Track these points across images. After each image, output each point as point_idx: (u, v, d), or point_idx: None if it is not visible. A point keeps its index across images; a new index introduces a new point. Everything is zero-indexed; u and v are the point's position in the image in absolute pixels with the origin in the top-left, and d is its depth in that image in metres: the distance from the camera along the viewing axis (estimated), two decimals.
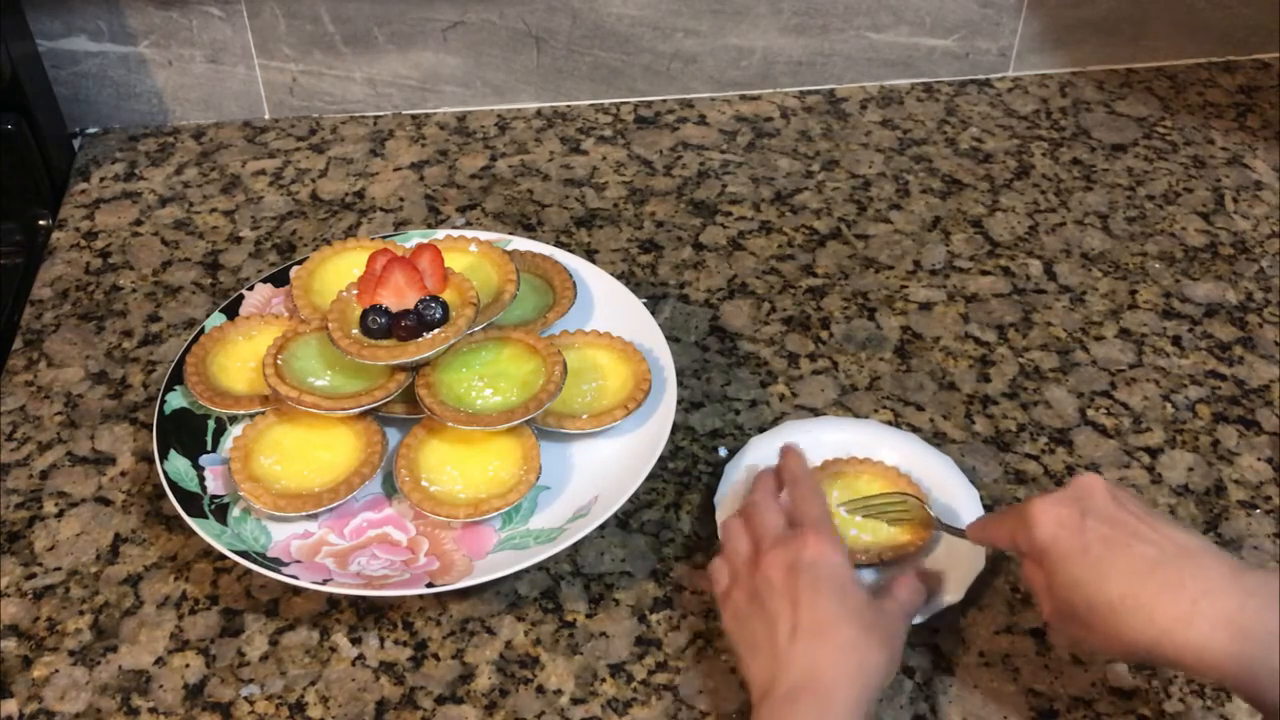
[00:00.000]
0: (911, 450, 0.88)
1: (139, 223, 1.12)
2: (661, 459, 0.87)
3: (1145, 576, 0.63)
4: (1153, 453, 0.92)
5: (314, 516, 0.83)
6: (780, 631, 0.70)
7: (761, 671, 0.70)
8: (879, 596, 0.74)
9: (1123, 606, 0.63)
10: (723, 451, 0.91)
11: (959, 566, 0.81)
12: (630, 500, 0.83)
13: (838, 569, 0.72)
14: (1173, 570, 0.63)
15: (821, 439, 0.89)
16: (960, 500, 0.85)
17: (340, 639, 0.79)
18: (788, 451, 0.84)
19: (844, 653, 0.68)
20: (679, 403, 0.91)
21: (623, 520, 0.87)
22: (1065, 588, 0.66)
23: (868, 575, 0.82)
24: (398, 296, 0.85)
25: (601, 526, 0.82)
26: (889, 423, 0.93)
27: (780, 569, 0.72)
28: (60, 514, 0.87)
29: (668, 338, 0.94)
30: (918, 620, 0.78)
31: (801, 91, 1.29)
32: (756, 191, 1.16)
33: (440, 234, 0.99)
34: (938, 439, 0.92)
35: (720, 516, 0.84)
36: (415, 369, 0.87)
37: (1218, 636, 0.60)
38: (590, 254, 1.08)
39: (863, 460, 0.87)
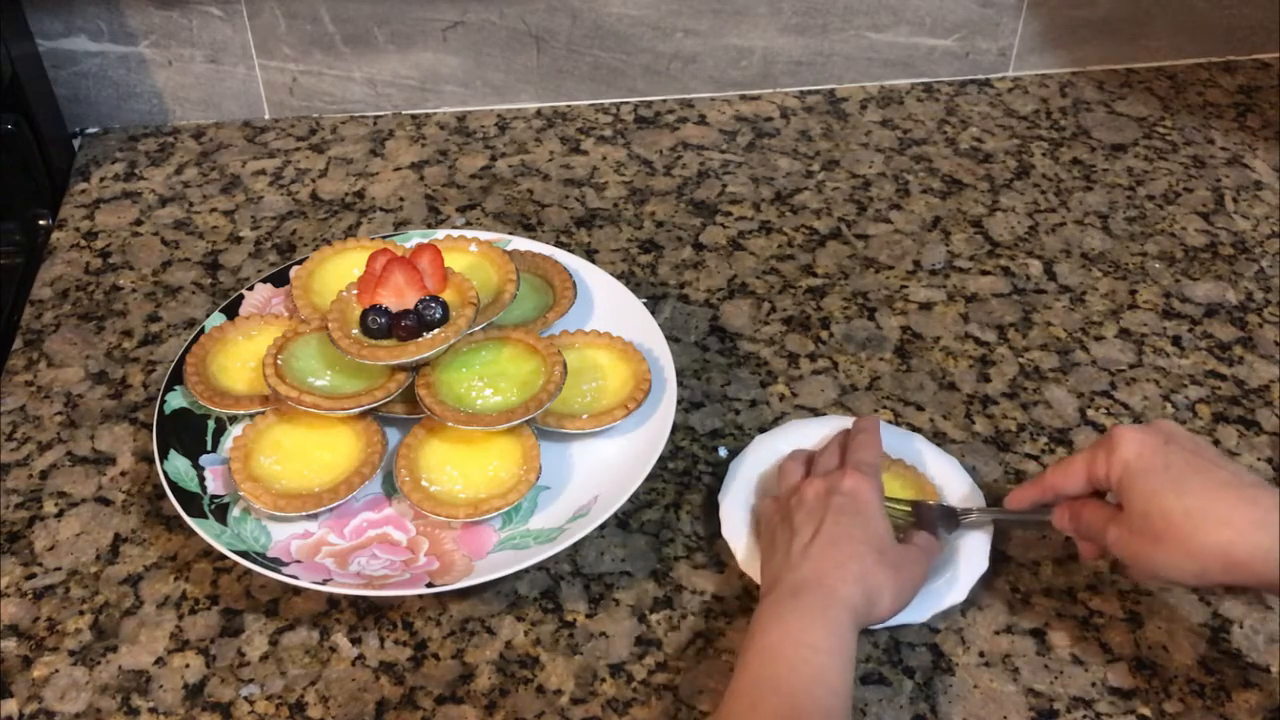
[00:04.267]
0: (915, 450, 0.88)
1: (139, 223, 1.12)
2: (661, 459, 0.87)
3: (1223, 488, 0.67)
4: None
5: (314, 516, 0.83)
6: (799, 540, 0.75)
7: (771, 569, 0.75)
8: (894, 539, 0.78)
9: (1200, 513, 0.66)
10: (723, 451, 0.91)
11: (961, 567, 0.81)
12: (630, 500, 0.83)
13: (870, 504, 0.77)
14: (1249, 489, 0.67)
15: (826, 438, 0.89)
16: (965, 501, 0.85)
17: (340, 639, 0.79)
18: (864, 418, 0.87)
19: (851, 563, 0.73)
20: (679, 403, 0.91)
21: (623, 520, 0.87)
22: (1143, 498, 0.69)
23: None
24: (398, 296, 0.85)
25: (601, 526, 0.82)
26: (889, 423, 0.93)
27: (816, 491, 0.78)
28: (60, 514, 0.87)
29: (668, 338, 0.94)
30: (918, 620, 0.78)
31: (801, 91, 1.29)
32: (756, 191, 1.16)
33: (440, 234, 0.99)
34: (938, 439, 0.92)
35: (725, 515, 0.84)
36: (415, 369, 0.87)
37: None
38: (590, 254, 1.08)
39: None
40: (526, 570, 0.82)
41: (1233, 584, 0.68)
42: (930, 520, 0.82)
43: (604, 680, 0.77)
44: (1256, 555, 0.64)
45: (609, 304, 0.97)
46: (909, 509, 0.83)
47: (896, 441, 0.88)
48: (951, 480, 0.86)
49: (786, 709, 0.66)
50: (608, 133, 1.24)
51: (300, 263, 0.98)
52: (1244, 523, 0.65)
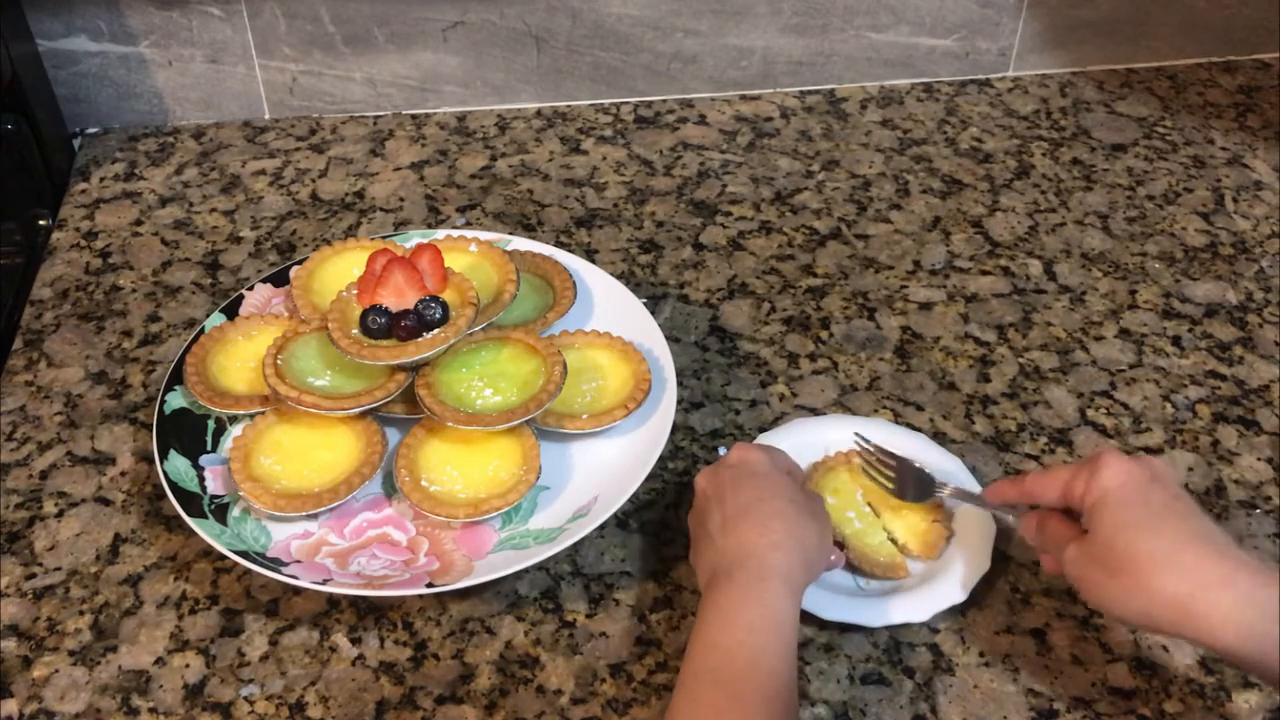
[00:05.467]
0: (918, 449, 0.88)
1: (139, 223, 1.12)
2: (661, 459, 0.87)
3: (1195, 540, 0.65)
4: (1153, 453, 0.92)
5: (314, 516, 0.83)
6: (712, 527, 0.75)
7: (704, 568, 0.74)
8: (804, 490, 0.79)
9: (1165, 558, 0.65)
10: (723, 451, 0.91)
11: (964, 567, 0.81)
12: (630, 500, 0.83)
13: (756, 463, 0.78)
14: (1221, 544, 0.65)
15: (828, 437, 0.89)
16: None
17: (340, 639, 0.79)
18: None
19: (770, 521, 0.73)
20: (679, 403, 0.91)
21: (623, 520, 0.87)
22: (1112, 529, 0.67)
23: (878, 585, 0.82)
24: (398, 296, 0.85)
25: (601, 526, 0.82)
26: (890, 423, 0.93)
27: (705, 479, 0.79)
28: (60, 514, 0.87)
29: (668, 338, 0.94)
30: (918, 620, 0.78)
31: (801, 91, 1.29)
32: (756, 191, 1.16)
33: (440, 234, 0.99)
34: (938, 439, 0.92)
35: None
36: (415, 369, 0.87)
37: (1257, 596, 0.62)
38: (590, 254, 1.08)
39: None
40: (526, 570, 0.81)
41: (1175, 635, 0.65)
42: (907, 476, 0.83)
43: (604, 680, 0.77)
44: (1215, 613, 0.63)
45: (609, 304, 0.97)
46: (893, 462, 0.84)
47: (899, 441, 0.88)
48: (955, 480, 0.86)
49: (725, 700, 0.66)
50: (608, 133, 1.24)
51: (300, 263, 0.98)
52: (1209, 578, 0.63)
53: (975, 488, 0.86)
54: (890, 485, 0.84)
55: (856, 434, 0.87)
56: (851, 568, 0.82)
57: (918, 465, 0.84)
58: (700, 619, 0.70)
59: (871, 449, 0.85)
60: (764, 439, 0.89)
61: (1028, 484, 0.75)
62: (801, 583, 0.72)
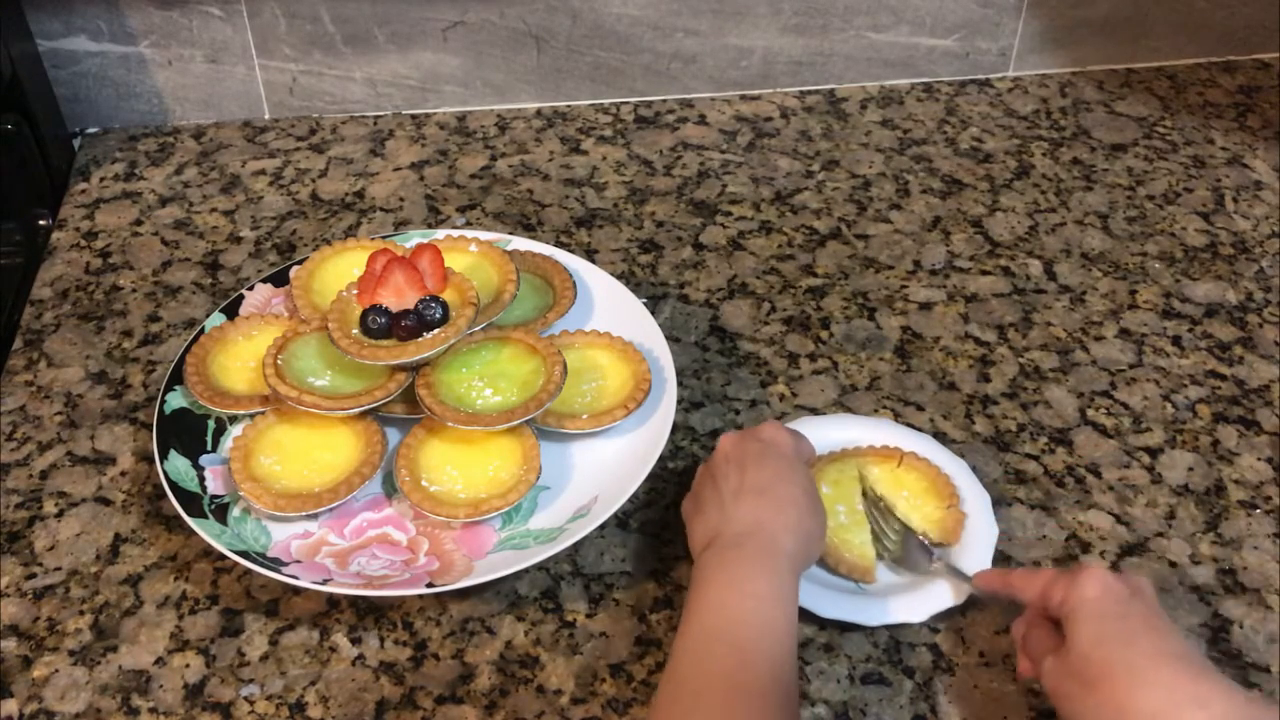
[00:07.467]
0: (920, 449, 0.88)
1: (139, 223, 1.12)
2: (661, 459, 0.87)
3: (1171, 657, 0.64)
4: (1153, 453, 0.92)
5: (314, 516, 0.83)
6: (726, 491, 0.76)
7: (706, 527, 0.75)
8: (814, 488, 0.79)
9: (1141, 672, 0.63)
10: None
11: (962, 567, 0.81)
12: (630, 500, 0.83)
13: (785, 446, 0.79)
14: (1198, 663, 0.64)
15: (831, 436, 0.89)
16: (970, 502, 0.85)
17: (340, 639, 0.79)
18: None
19: (786, 506, 0.74)
20: (679, 403, 0.91)
21: (623, 520, 0.87)
22: (1089, 642, 0.66)
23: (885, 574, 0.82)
24: (398, 296, 0.85)
25: (601, 526, 0.82)
26: (891, 423, 0.93)
27: (732, 442, 0.79)
28: (60, 514, 0.87)
29: (668, 338, 0.94)
30: (918, 620, 0.78)
31: (801, 91, 1.29)
32: (756, 191, 1.16)
33: (440, 234, 0.99)
34: (938, 439, 0.92)
35: None
36: (415, 369, 0.87)
37: (1231, 718, 0.61)
38: (590, 254, 1.08)
39: (898, 451, 0.88)
40: (526, 570, 0.81)
41: None
42: (911, 547, 0.82)
43: (604, 680, 0.77)
44: None
45: (609, 304, 0.97)
46: (899, 530, 0.83)
47: (902, 442, 0.88)
48: (957, 480, 0.86)
49: (735, 661, 0.66)
50: (608, 133, 1.24)
51: (300, 263, 0.98)
52: (1183, 696, 0.62)
53: (978, 488, 0.86)
54: (891, 548, 0.83)
55: (871, 490, 0.86)
56: (819, 561, 0.82)
57: (920, 537, 0.83)
58: (703, 580, 0.70)
59: (881, 508, 0.84)
60: None
61: (1013, 578, 0.74)
62: (799, 572, 0.73)
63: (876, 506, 0.84)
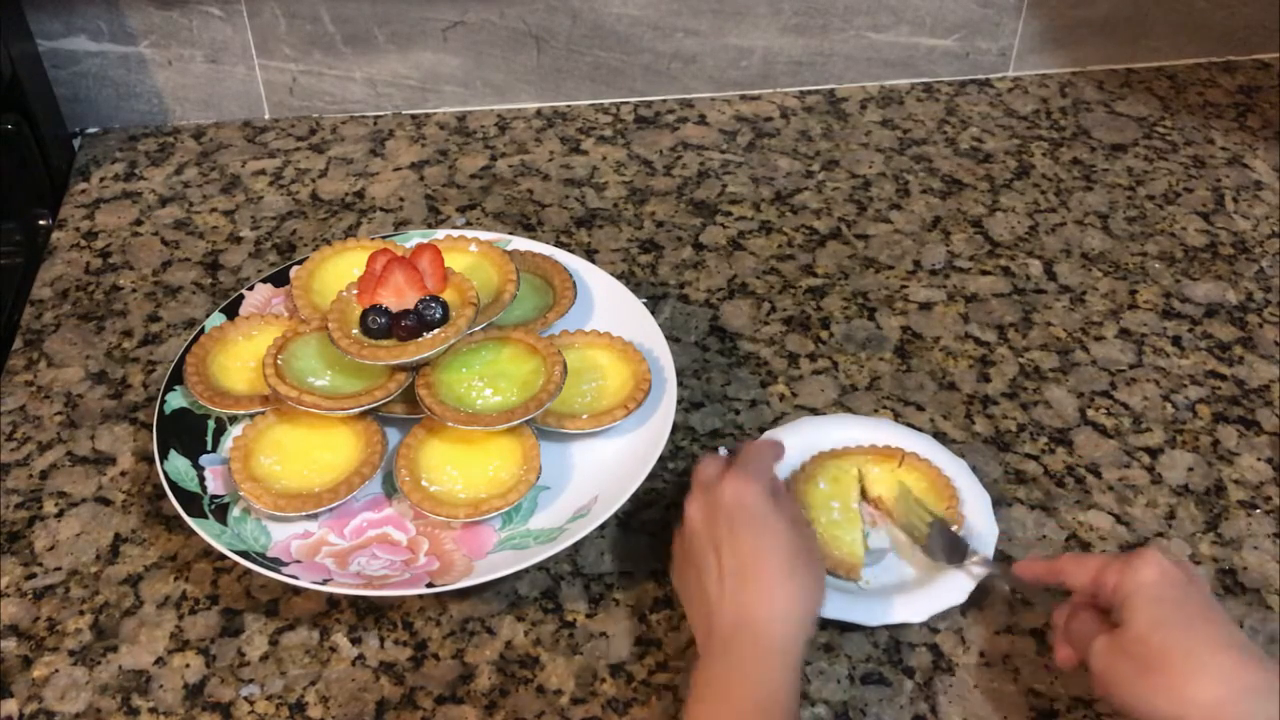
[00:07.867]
0: (921, 449, 0.88)
1: (139, 223, 1.12)
2: (661, 459, 0.87)
3: (1229, 646, 0.64)
4: (1153, 453, 0.92)
5: (314, 516, 0.83)
6: (709, 581, 0.72)
7: (700, 622, 0.73)
8: (799, 523, 0.76)
9: (1198, 660, 0.64)
10: (723, 451, 0.91)
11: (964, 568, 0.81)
12: (630, 500, 0.83)
13: (755, 505, 0.74)
14: (1257, 653, 0.64)
15: (831, 436, 0.89)
16: (971, 503, 0.85)
17: (340, 639, 0.79)
18: (763, 440, 0.85)
19: (772, 590, 0.71)
20: (679, 403, 0.91)
21: (623, 520, 0.87)
22: (1149, 623, 0.66)
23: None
24: (398, 296, 0.85)
25: (601, 526, 0.82)
26: (892, 423, 0.93)
27: (700, 515, 0.75)
28: (60, 514, 0.87)
29: (668, 338, 0.94)
30: (918, 620, 0.78)
31: (801, 91, 1.29)
32: (756, 191, 1.16)
33: (440, 234, 0.99)
34: (938, 439, 0.92)
35: None
36: (415, 369, 0.87)
37: None
38: (590, 254, 1.08)
39: (901, 451, 0.88)
40: (526, 570, 0.81)
41: None
42: (942, 540, 0.81)
43: (604, 680, 0.77)
44: None
45: (609, 304, 0.97)
46: (929, 519, 0.82)
47: (902, 442, 0.88)
48: (957, 480, 0.86)
49: None
50: (608, 133, 1.24)
51: (300, 263, 0.98)
52: (1241, 686, 0.62)
53: (978, 488, 0.86)
54: (921, 539, 0.82)
55: (902, 483, 0.85)
56: None
57: (955, 530, 0.82)
58: (695, 694, 0.69)
59: (915, 498, 0.84)
60: (770, 436, 0.89)
61: (1060, 564, 0.74)
62: (803, 647, 0.71)
63: (907, 500, 0.84)
